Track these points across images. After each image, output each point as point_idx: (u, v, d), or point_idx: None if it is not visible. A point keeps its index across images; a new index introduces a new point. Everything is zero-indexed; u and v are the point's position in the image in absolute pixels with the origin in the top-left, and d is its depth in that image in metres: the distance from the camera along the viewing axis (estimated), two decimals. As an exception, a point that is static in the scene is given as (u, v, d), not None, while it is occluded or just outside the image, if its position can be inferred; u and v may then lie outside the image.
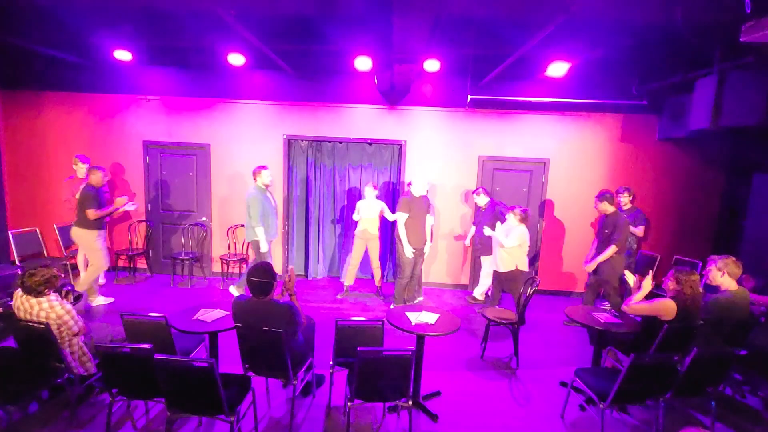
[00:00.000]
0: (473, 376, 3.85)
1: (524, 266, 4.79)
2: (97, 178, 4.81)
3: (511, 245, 4.66)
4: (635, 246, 5.26)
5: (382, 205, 5.35)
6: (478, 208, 5.43)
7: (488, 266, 5.35)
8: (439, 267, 6.16)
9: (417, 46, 3.62)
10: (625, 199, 5.11)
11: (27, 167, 6.08)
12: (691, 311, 3.09)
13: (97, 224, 4.81)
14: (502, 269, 4.83)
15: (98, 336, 3.23)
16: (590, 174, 5.79)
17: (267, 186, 5.06)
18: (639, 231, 5.17)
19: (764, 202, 4.83)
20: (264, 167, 5.06)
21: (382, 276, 5.89)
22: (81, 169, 5.25)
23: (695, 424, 3.22)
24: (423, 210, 5.00)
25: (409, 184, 5.03)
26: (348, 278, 5.60)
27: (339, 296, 5.59)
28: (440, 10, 3.61)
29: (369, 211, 5.29)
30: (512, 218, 4.72)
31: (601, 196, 4.55)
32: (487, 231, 4.84)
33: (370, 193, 5.27)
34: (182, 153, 6.00)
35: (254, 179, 5.03)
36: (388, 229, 5.91)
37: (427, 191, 5.14)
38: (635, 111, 5.57)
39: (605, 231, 4.55)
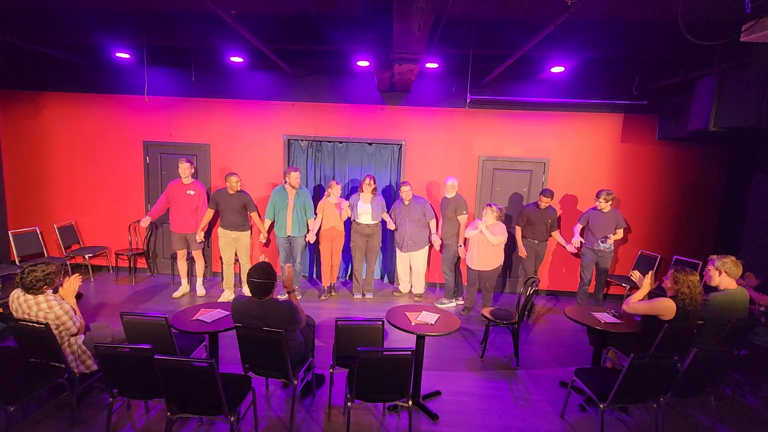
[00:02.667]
0: (473, 376, 3.85)
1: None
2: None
3: (501, 242, 4.73)
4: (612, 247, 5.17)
5: (346, 204, 5.41)
6: (399, 201, 5.38)
7: (417, 262, 5.47)
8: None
9: (417, 47, 3.62)
10: (602, 204, 4.95)
11: (27, 167, 6.08)
12: (690, 311, 3.09)
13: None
14: (489, 267, 4.84)
15: (98, 336, 3.23)
16: (590, 174, 5.79)
17: (293, 186, 5.21)
18: (619, 233, 5.11)
19: (764, 202, 4.83)
20: (290, 169, 5.21)
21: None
22: (185, 172, 5.18)
23: None
24: None
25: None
26: (324, 279, 5.69)
27: (322, 297, 5.63)
28: (440, 10, 3.61)
29: (334, 210, 5.36)
30: (491, 215, 4.68)
31: (547, 192, 5.06)
32: (490, 237, 4.73)
33: (335, 191, 5.31)
34: (182, 153, 5.99)
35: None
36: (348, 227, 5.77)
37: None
38: (635, 111, 5.58)
39: (548, 221, 5.19)
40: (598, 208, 5.01)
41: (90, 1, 4.31)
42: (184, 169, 5.17)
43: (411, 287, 5.74)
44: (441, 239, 5.34)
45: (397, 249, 5.52)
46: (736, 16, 3.36)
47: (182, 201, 5.22)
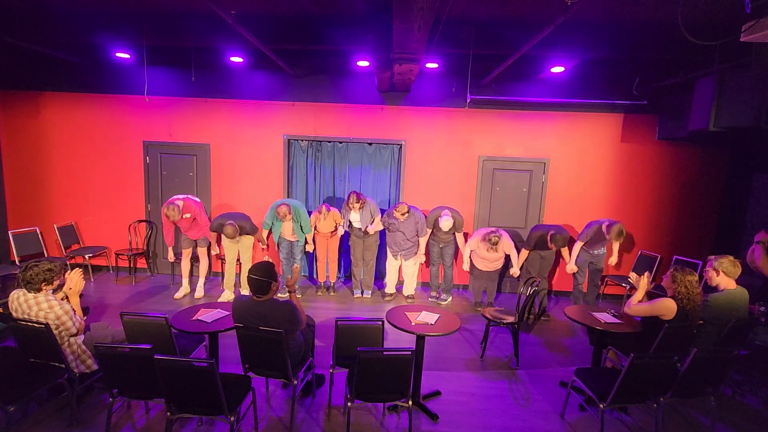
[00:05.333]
0: (473, 376, 3.85)
1: None
2: None
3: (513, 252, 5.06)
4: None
5: (336, 215, 5.43)
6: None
7: (408, 267, 5.49)
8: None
9: (417, 47, 3.62)
10: (614, 238, 4.71)
11: (27, 167, 6.09)
12: (689, 311, 3.09)
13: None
14: (497, 268, 5.19)
15: (98, 336, 3.23)
16: (590, 174, 5.79)
17: (281, 219, 5.19)
18: (616, 246, 5.14)
19: (764, 202, 4.83)
20: (279, 206, 5.18)
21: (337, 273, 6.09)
22: (175, 215, 5.10)
23: None
24: None
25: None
26: (319, 275, 5.77)
27: (318, 293, 5.78)
28: (440, 10, 3.60)
29: (326, 220, 5.37)
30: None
31: (558, 241, 4.72)
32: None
33: (324, 215, 5.33)
34: (182, 153, 6.00)
35: None
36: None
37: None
38: (635, 111, 5.58)
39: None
40: (606, 237, 4.73)
41: (90, 1, 4.31)
42: (174, 212, 4.90)
43: (401, 288, 5.78)
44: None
45: (388, 251, 5.49)
46: (736, 16, 3.36)
47: (182, 224, 5.20)
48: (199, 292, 5.51)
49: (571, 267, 5.03)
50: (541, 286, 5.12)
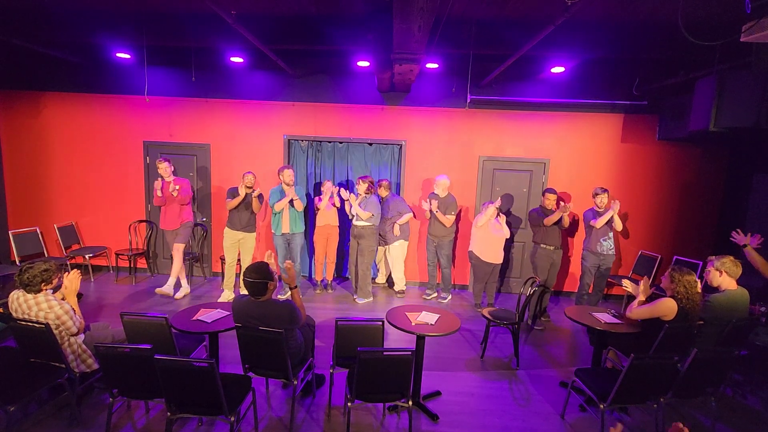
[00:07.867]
0: (473, 376, 3.85)
1: None
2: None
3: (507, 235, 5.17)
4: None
5: (344, 193, 5.47)
6: (378, 198, 5.48)
7: (391, 256, 5.67)
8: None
9: (417, 47, 3.62)
10: (604, 201, 4.80)
11: (27, 167, 6.09)
12: (689, 311, 3.09)
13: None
14: (497, 261, 5.19)
15: (98, 336, 3.23)
16: (590, 174, 5.79)
17: (287, 183, 5.20)
18: (618, 223, 4.84)
19: (764, 202, 4.83)
20: (283, 167, 5.26)
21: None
22: (166, 171, 5.13)
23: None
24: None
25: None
26: (317, 274, 5.82)
27: (317, 292, 5.79)
28: (440, 10, 3.61)
29: (328, 207, 5.46)
30: (493, 210, 5.02)
31: (550, 189, 5.01)
32: (506, 230, 5.13)
33: (327, 188, 5.39)
34: (182, 153, 6.00)
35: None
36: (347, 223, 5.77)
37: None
38: (635, 111, 5.58)
39: (560, 223, 4.94)
40: (597, 208, 4.85)
41: (90, 1, 4.32)
42: (164, 168, 5.09)
43: (389, 281, 5.91)
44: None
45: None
46: (736, 16, 3.37)
47: (171, 197, 5.16)
48: (167, 288, 5.28)
49: (600, 221, 4.80)
50: (547, 289, 5.13)
